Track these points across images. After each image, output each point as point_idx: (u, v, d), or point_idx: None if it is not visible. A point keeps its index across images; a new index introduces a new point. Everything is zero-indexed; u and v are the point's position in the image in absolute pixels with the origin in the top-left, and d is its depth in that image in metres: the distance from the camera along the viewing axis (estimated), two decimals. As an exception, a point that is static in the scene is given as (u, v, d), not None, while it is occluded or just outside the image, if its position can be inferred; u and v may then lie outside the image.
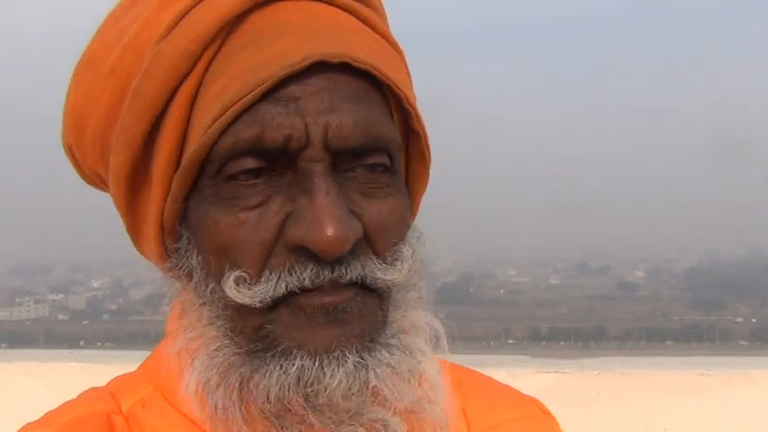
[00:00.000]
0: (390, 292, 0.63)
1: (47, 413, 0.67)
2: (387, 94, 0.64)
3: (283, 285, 0.57)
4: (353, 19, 0.64)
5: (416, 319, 0.66)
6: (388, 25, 0.70)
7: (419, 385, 0.63)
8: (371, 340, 0.60)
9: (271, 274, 0.58)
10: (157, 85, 0.60)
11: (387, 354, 0.60)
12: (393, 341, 0.62)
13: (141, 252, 0.70)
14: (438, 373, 0.66)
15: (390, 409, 0.60)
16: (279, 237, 0.58)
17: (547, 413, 0.82)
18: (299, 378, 0.57)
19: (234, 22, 0.61)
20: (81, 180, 0.75)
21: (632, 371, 2.24)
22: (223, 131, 0.58)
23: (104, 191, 0.71)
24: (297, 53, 0.58)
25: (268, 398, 0.58)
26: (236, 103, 0.57)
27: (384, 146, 0.61)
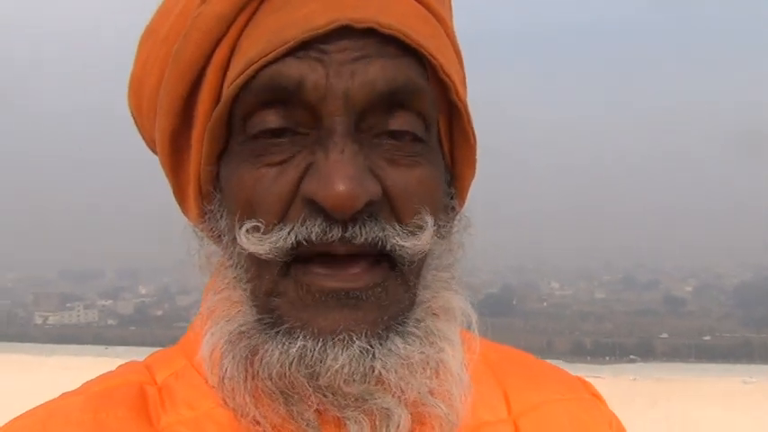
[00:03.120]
0: (416, 267, 0.61)
1: (85, 382, 0.70)
2: (424, 63, 0.62)
3: (293, 236, 0.57)
4: None
5: (448, 302, 0.64)
6: None
7: (435, 376, 0.61)
8: (387, 328, 0.58)
9: (284, 226, 0.58)
10: (194, 49, 0.61)
11: (401, 343, 0.58)
12: (414, 329, 0.60)
13: (187, 216, 0.71)
14: (461, 365, 0.63)
15: (397, 397, 0.59)
16: (297, 190, 0.58)
17: (597, 396, 0.79)
18: (301, 357, 0.56)
19: None
20: (148, 150, 0.76)
21: (668, 377, 2.18)
22: (245, 88, 0.59)
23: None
24: (322, 17, 0.58)
25: (270, 375, 0.58)
26: (257, 60, 0.58)
27: (415, 95, 0.59)
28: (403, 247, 0.59)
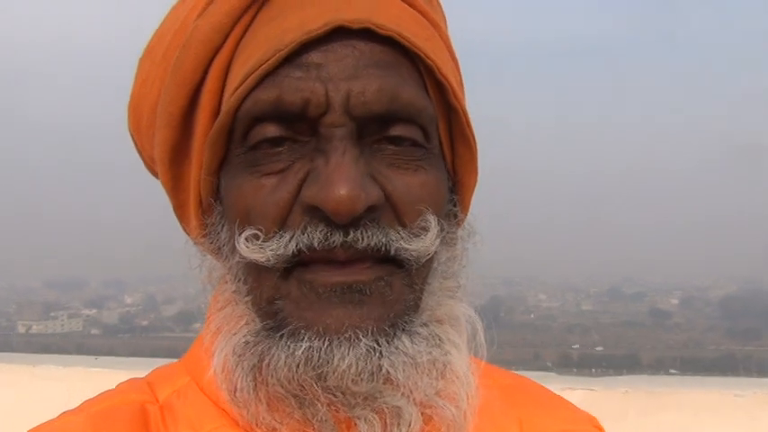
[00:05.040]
0: (422, 270, 0.61)
1: (85, 401, 0.68)
2: (420, 67, 0.61)
3: (294, 244, 0.56)
4: None
5: (453, 310, 0.64)
6: (429, 3, 0.67)
7: (442, 378, 0.61)
8: (393, 325, 0.58)
9: (284, 233, 0.57)
10: (192, 60, 0.62)
11: (408, 342, 0.58)
12: (420, 329, 0.59)
13: (188, 233, 0.70)
14: (468, 369, 0.63)
15: (406, 396, 0.58)
16: (296, 198, 0.58)
17: (601, 430, 0.79)
18: (308, 359, 0.56)
19: None
20: (146, 170, 0.76)
21: (661, 390, 2.18)
22: (246, 97, 0.59)
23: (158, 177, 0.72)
24: (318, 20, 0.58)
25: (279, 379, 0.57)
26: (257, 69, 0.58)
27: (413, 114, 0.59)
28: (408, 249, 0.58)
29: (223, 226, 0.63)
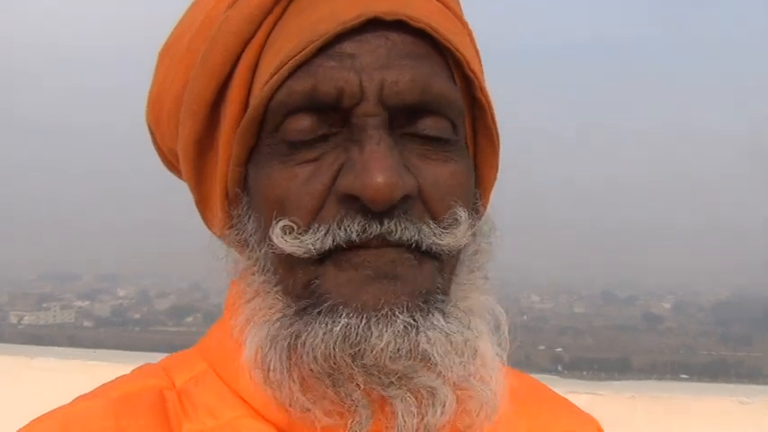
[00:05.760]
0: (452, 261, 0.61)
1: (100, 386, 0.68)
2: (449, 60, 0.62)
3: (330, 238, 0.56)
4: None
5: (479, 302, 0.64)
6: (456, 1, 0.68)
7: (473, 360, 0.60)
8: (425, 301, 0.58)
9: (320, 226, 0.57)
10: (222, 52, 0.61)
11: (441, 319, 0.58)
12: (451, 309, 0.60)
13: (210, 227, 0.70)
14: (495, 354, 0.63)
15: (441, 376, 0.58)
16: (331, 189, 0.57)
17: None
18: (346, 336, 0.55)
19: None
20: (163, 166, 0.76)
21: (667, 395, 2.16)
22: (279, 87, 0.58)
23: (180, 176, 0.72)
24: (350, 11, 0.58)
25: (315, 357, 0.56)
26: (291, 59, 0.58)
27: (444, 106, 0.59)
28: (440, 245, 0.58)
29: (250, 217, 0.62)
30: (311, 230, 0.57)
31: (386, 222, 0.56)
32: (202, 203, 0.69)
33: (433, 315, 0.57)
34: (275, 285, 0.61)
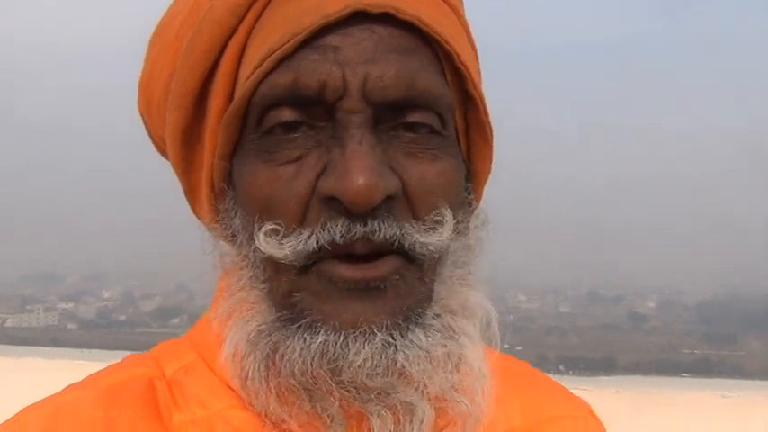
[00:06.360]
0: (433, 263, 0.60)
1: (89, 375, 0.67)
2: (439, 53, 0.61)
3: (314, 240, 0.56)
4: None
5: (466, 299, 0.63)
6: None
7: (457, 371, 0.60)
8: (406, 318, 0.57)
9: (304, 229, 0.56)
10: (206, 41, 0.60)
11: (422, 335, 0.57)
12: (433, 321, 0.59)
13: (199, 217, 0.69)
14: (482, 361, 0.63)
15: (419, 391, 0.58)
16: (314, 190, 0.57)
17: (596, 418, 0.79)
18: (324, 352, 0.55)
19: None
20: (157, 152, 0.75)
21: (651, 390, 2.19)
22: (262, 80, 0.57)
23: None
24: (336, 3, 0.57)
25: (293, 371, 0.56)
26: (274, 52, 0.56)
27: (431, 102, 0.58)
28: (423, 244, 0.58)
29: (236, 212, 0.61)
30: (295, 234, 0.56)
31: (369, 222, 0.55)
32: (191, 194, 0.68)
33: (412, 332, 0.57)
34: (262, 282, 0.60)
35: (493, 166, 0.68)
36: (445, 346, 0.59)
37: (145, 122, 0.73)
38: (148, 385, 0.64)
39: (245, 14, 0.59)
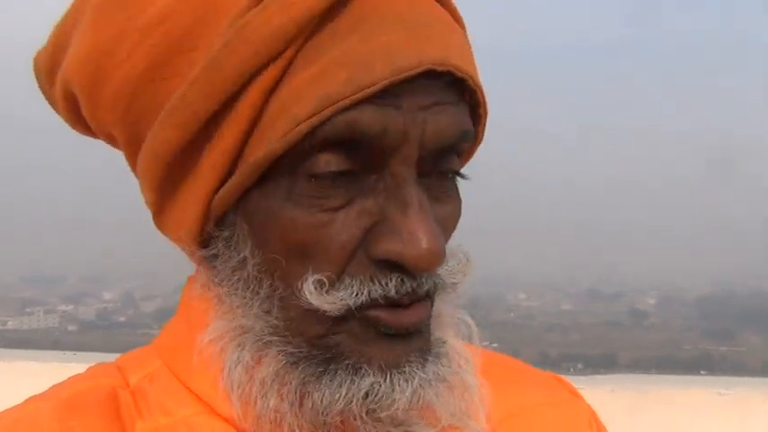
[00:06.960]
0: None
1: (53, 386, 0.66)
2: (465, 94, 0.60)
3: (365, 293, 0.54)
4: (437, 6, 0.59)
5: (441, 311, 0.63)
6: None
7: (462, 396, 0.61)
8: (428, 351, 0.58)
9: (352, 281, 0.55)
10: (238, 65, 0.52)
11: (441, 366, 0.58)
12: (442, 349, 0.60)
13: (161, 228, 0.64)
14: (474, 378, 0.63)
15: (431, 422, 0.59)
16: (361, 243, 0.55)
17: (576, 395, 0.78)
18: (368, 393, 0.55)
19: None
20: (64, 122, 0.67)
21: (646, 388, 2.18)
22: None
23: (93, 137, 0.65)
24: (405, 54, 0.53)
25: (329, 410, 0.55)
26: (335, 102, 0.52)
27: (467, 144, 0.59)
28: (454, 285, 0.59)
29: (247, 245, 0.57)
30: (343, 285, 0.55)
31: (418, 278, 0.55)
32: (158, 206, 0.61)
33: (434, 364, 0.58)
34: (280, 321, 0.57)
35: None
36: (458, 373, 0.60)
37: (67, 97, 0.62)
38: (110, 394, 0.62)
39: (292, 40, 0.52)
